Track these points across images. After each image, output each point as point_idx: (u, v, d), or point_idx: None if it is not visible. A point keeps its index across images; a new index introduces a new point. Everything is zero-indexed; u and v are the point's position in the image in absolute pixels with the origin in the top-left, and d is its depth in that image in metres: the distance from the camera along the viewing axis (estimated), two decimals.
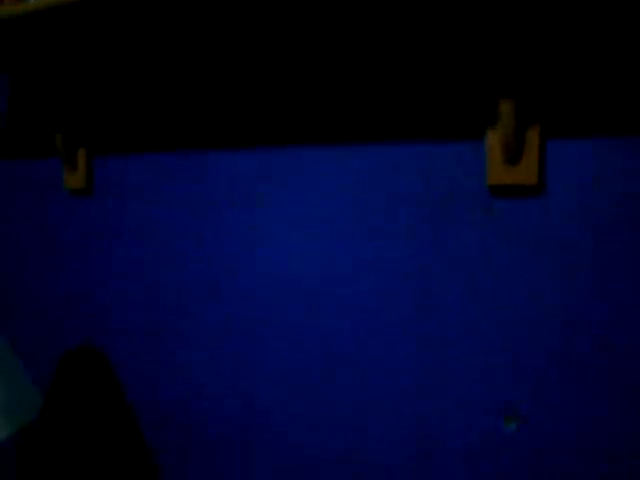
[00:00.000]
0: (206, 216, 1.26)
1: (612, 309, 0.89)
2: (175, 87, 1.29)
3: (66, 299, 1.49)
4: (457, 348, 1.01)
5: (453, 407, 1.02)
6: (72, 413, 1.47)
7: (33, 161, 1.54)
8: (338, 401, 1.13)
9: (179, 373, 1.31)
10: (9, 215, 1.60)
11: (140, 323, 1.36)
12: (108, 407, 1.41)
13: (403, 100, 1.04)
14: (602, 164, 0.89)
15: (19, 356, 1.57)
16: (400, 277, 1.05)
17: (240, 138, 1.21)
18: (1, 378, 1.02)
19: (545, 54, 0.91)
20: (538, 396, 0.95)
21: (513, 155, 0.93)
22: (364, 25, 1.06)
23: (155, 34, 1.25)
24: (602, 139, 0.89)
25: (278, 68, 1.15)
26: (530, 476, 0.96)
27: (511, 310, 0.97)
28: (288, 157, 1.15)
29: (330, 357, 1.13)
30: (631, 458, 0.89)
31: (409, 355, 1.05)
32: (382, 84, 1.05)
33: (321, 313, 1.13)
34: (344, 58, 1.09)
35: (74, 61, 1.41)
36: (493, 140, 0.95)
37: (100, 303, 1.43)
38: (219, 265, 1.25)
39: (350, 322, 1.11)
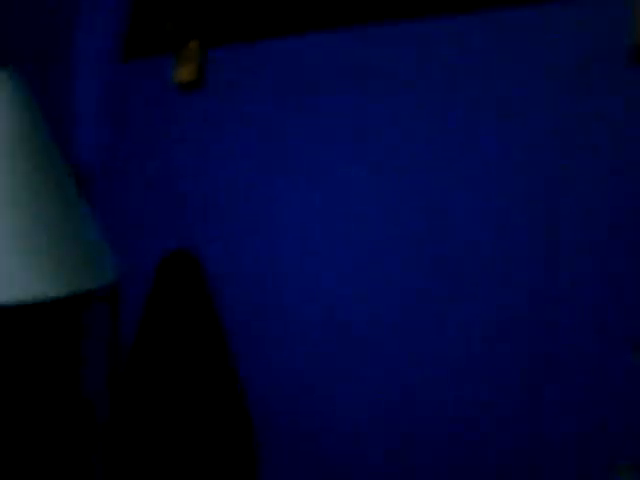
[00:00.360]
0: (317, 108, 1.18)
1: None
2: None
3: (171, 196, 1.48)
4: (585, 257, 0.89)
5: (579, 338, 0.90)
6: (169, 321, 1.48)
7: (146, 57, 1.52)
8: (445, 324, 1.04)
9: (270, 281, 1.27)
10: (121, 112, 1.60)
11: (240, 223, 1.33)
12: (200, 312, 1.40)
13: None
14: None
15: (124, 262, 1.59)
16: (525, 160, 0.93)
17: (352, 19, 1.10)
18: (64, 226, 0.86)
19: None
20: None
21: None
22: None
23: None
24: None
25: None
26: None
27: None
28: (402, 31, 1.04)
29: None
30: None
31: (532, 265, 0.94)
32: None
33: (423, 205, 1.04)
34: None
35: None
36: None
37: (207, 200, 1.40)
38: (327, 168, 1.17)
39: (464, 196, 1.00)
